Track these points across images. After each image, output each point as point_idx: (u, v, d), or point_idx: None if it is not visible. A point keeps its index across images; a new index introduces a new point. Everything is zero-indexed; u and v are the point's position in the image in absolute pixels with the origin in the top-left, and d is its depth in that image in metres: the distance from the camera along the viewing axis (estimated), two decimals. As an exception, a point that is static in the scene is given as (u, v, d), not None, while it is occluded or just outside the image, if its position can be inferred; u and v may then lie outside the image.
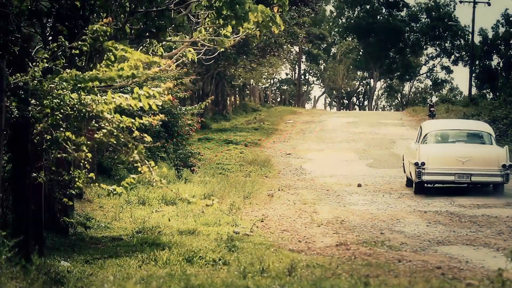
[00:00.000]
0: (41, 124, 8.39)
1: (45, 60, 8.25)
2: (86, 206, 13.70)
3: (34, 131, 8.48)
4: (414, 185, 17.05)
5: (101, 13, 9.90)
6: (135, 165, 9.60)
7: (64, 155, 8.91)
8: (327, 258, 9.71)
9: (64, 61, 8.59)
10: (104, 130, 8.40)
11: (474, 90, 58.31)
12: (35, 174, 8.76)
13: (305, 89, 76.45)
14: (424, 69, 76.76)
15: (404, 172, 18.77)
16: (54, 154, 8.93)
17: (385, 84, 79.87)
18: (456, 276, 8.65)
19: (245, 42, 28.59)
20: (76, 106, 8.07)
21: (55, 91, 8.04)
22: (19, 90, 8.03)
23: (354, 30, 71.45)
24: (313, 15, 39.08)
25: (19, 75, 8.06)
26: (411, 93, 79.11)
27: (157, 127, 16.11)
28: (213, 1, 9.67)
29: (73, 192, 9.75)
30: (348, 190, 17.61)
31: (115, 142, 8.58)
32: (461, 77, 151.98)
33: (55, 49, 8.49)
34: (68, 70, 8.23)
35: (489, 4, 50.27)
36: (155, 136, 16.68)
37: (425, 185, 16.86)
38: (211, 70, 33.33)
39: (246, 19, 9.64)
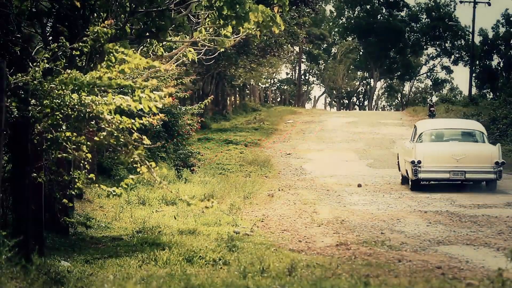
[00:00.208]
0: (41, 124, 8.39)
1: (45, 60, 8.25)
2: (86, 206, 13.70)
3: (34, 131, 8.48)
4: (410, 182, 17.54)
5: (102, 13, 9.90)
6: (134, 165, 9.62)
7: (64, 155, 8.92)
8: (327, 258, 9.71)
9: (64, 61, 8.59)
10: (104, 132, 8.41)
11: (474, 90, 58.40)
12: (35, 174, 8.76)
13: (305, 89, 76.48)
14: (424, 69, 76.89)
15: (399, 170, 19.21)
16: (55, 154, 8.93)
17: (385, 84, 79.91)
18: (456, 276, 8.65)
19: (246, 42, 28.63)
20: (76, 106, 8.07)
21: (55, 91, 8.04)
22: (19, 90, 8.04)
23: (354, 30, 71.48)
24: (313, 15, 39.07)
25: (19, 75, 8.06)
26: (411, 93, 79.14)
27: (157, 127, 16.12)
28: (214, 1, 9.66)
29: (73, 192, 9.75)
30: (348, 190, 17.61)
31: (115, 143, 8.59)
32: (461, 77, 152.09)
33: (56, 49, 8.49)
34: (68, 71, 8.23)
35: (489, 4, 50.33)
36: (155, 136, 16.69)
37: (421, 182, 17.44)
38: (211, 70, 33.34)
39: (246, 19, 9.63)
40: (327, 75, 73.82)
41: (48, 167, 9.35)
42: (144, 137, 8.54)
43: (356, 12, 72.57)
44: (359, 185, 18.28)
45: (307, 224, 12.76)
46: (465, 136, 18.27)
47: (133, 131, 8.57)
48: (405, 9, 72.24)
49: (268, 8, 9.86)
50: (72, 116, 8.34)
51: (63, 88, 7.98)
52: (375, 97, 77.94)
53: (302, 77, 72.32)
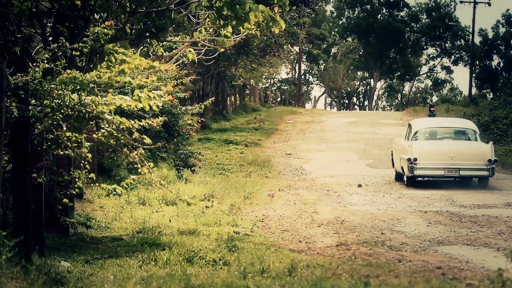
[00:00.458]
0: (41, 124, 8.39)
1: (45, 61, 8.25)
2: (86, 206, 13.70)
3: (34, 131, 8.48)
4: (406, 178, 18.28)
5: (102, 14, 9.90)
6: (135, 166, 9.62)
7: (66, 152, 8.91)
8: (328, 258, 9.71)
9: (64, 61, 8.59)
10: (104, 131, 8.41)
11: (474, 90, 58.34)
12: (35, 174, 8.76)
13: (305, 89, 76.47)
14: (424, 69, 76.83)
15: (393, 166, 19.95)
16: (56, 153, 8.93)
17: (385, 84, 79.91)
18: (457, 276, 8.65)
19: (246, 42, 28.60)
20: (76, 106, 8.07)
21: (55, 91, 8.04)
22: (19, 90, 8.04)
23: (354, 30, 71.44)
24: (313, 15, 39.06)
25: (19, 75, 8.07)
26: (411, 93, 79.13)
27: (158, 127, 16.12)
28: (214, 1, 9.67)
29: (73, 192, 9.75)
30: (348, 190, 17.61)
31: (114, 143, 8.58)
32: (461, 77, 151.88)
33: (56, 49, 8.49)
34: (68, 71, 8.23)
35: (489, 4, 50.30)
36: (156, 136, 16.68)
37: (416, 179, 18.12)
38: (211, 70, 33.34)
39: (246, 19, 9.64)
40: (327, 75, 73.81)
41: (48, 167, 9.34)
42: (144, 136, 8.54)
43: (356, 12, 72.55)
44: (359, 185, 18.29)
45: (307, 224, 12.76)
46: (459, 134, 18.96)
47: (133, 131, 8.57)
48: (405, 9, 72.24)
49: (268, 8, 9.87)
50: (72, 116, 8.34)
51: (63, 88, 7.99)
52: (375, 97, 77.97)
53: (302, 77, 72.31)
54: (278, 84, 73.52)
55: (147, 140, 8.52)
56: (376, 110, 74.97)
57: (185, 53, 11.19)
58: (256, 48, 33.15)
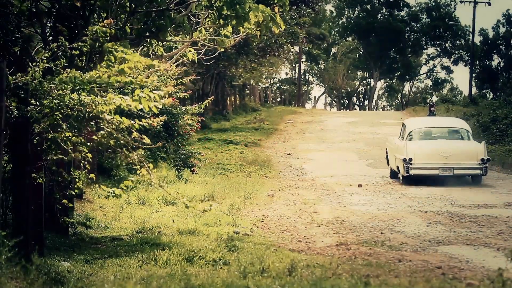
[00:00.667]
0: (41, 124, 8.39)
1: (45, 60, 8.24)
2: (86, 206, 13.70)
3: (34, 131, 8.48)
4: (401, 177, 18.75)
5: (102, 13, 9.89)
6: (134, 167, 9.61)
7: (61, 156, 8.90)
8: (328, 258, 9.71)
9: (64, 61, 8.58)
10: (103, 132, 8.40)
11: (474, 90, 58.31)
12: (35, 175, 8.75)
13: (305, 89, 76.46)
14: (424, 69, 76.74)
15: (388, 164, 20.45)
16: (55, 154, 8.92)
17: (385, 84, 79.84)
18: (457, 276, 8.64)
19: (245, 42, 28.60)
20: (76, 106, 8.07)
21: (55, 91, 8.04)
22: (19, 90, 8.03)
23: (354, 30, 71.40)
24: (313, 15, 39.03)
25: (19, 75, 8.06)
26: (411, 93, 79.09)
27: (158, 127, 16.11)
28: (214, 1, 9.66)
29: (73, 192, 9.75)
30: (348, 190, 17.61)
31: (114, 143, 8.58)
32: (461, 77, 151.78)
33: (55, 49, 8.49)
34: (68, 70, 8.23)
35: (489, 4, 50.29)
36: (155, 136, 16.66)
37: (412, 177, 18.46)
38: (211, 70, 33.32)
39: (246, 19, 9.63)
40: (327, 75, 73.78)
41: (48, 167, 9.34)
42: (144, 136, 8.54)
43: (356, 12, 72.48)
44: (359, 185, 18.29)
45: (307, 224, 12.76)
46: (452, 133, 19.46)
47: (133, 130, 8.56)
48: (405, 9, 72.17)
49: (268, 8, 9.86)
50: (72, 116, 8.33)
51: (63, 88, 7.98)
52: (375, 97, 77.92)
53: (302, 77, 72.30)
54: (278, 84, 73.52)
55: (146, 140, 8.52)
56: (376, 110, 74.94)
57: (185, 53, 11.18)
58: (256, 48, 33.13)
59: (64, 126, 8.68)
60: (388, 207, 14.87)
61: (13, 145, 8.25)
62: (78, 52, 8.77)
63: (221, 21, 9.80)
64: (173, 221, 12.49)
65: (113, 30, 9.29)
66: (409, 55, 73.01)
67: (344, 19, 74.30)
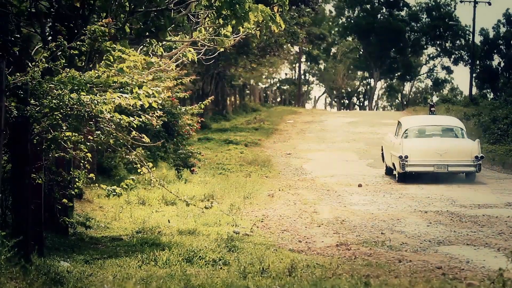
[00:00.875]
0: (40, 124, 8.38)
1: (44, 60, 8.23)
2: (86, 206, 13.68)
3: (34, 131, 8.47)
4: (397, 174, 19.01)
5: (101, 13, 9.88)
6: (134, 166, 9.60)
7: (62, 154, 8.90)
8: (328, 258, 9.70)
9: (64, 61, 8.58)
10: (101, 131, 8.39)
11: (474, 90, 58.22)
12: (34, 175, 8.74)
13: (305, 89, 76.46)
14: (424, 69, 76.73)
15: (383, 161, 20.98)
16: (55, 153, 8.91)
17: (385, 84, 79.85)
18: (457, 276, 8.63)
19: (245, 42, 28.60)
20: (75, 106, 8.06)
21: (54, 91, 8.03)
22: (19, 90, 8.02)
23: (354, 30, 71.38)
24: (313, 14, 39.02)
25: (18, 75, 8.05)
26: (411, 93, 79.08)
27: (157, 127, 16.11)
28: (213, 0, 9.65)
29: (72, 192, 9.74)
30: (348, 190, 17.59)
31: (113, 142, 8.56)
32: (461, 77, 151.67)
33: (54, 49, 8.48)
34: (67, 70, 8.22)
35: (489, 3, 50.24)
36: (155, 136, 16.66)
37: (407, 174, 18.80)
38: (211, 70, 33.32)
39: (246, 18, 9.62)
40: (327, 75, 73.78)
41: (47, 167, 9.33)
42: (143, 135, 8.53)
43: (356, 11, 72.47)
44: (360, 185, 18.29)
45: (307, 224, 12.75)
46: (446, 131, 19.87)
47: (132, 129, 8.55)
48: (405, 8, 72.15)
49: (268, 7, 9.85)
50: (71, 115, 8.32)
51: (62, 87, 7.97)
52: (375, 97, 77.93)
53: (302, 77, 72.32)
54: (278, 84, 73.52)
55: (146, 139, 8.51)
56: (376, 110, 74.95)
57: (184, 53, 11.17)
58: (256, 48, 33.14)
59: (64, 126, 8.67)
60: (388, 207, 14.86)
61: (13, 145, 8.24)
62: (77, 52, 8.77)
63: (221, 21, 9.79)
64: (168, 221, 12.45)
65: (112, 30, 9.28)
66: (409, 55, 72.99)
67: (344, 19, 74.30)
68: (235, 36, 10.75)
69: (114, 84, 8.00)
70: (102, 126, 8.99)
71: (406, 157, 18.46)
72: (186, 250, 9.69)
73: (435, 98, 69.43)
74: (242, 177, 19.24)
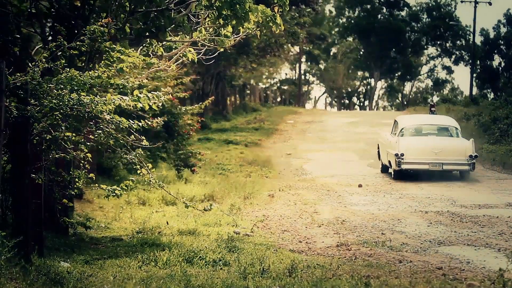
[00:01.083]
0: (40, 124, 8.37)
1: (44, 60, 8.23)
2: (86, 207, 13.68)
3: (34, 131, 8.46)
4: (393, 172, 19.56)
5: (101, 13, 9.87)
6: (134, 167, 9.59)
7: (63, 154, 8.89)
8: (328, 259, 9.69)
9: (64, 61, 8.57)
10: (101, 132, 8.38)
11: (475, 90, 58.20)
12: (34, 175, 8.74)
13: (306, 89, 76.45)
14: (425, 69, 76.73)
15: (379, 159, 21.46)
16: (54, 154, 8.91)
17: (385, 84, 79.84)
18: (457, 276, 8.62)
19: (245, 42, 28.60)
20: (75, 106, 8.06)
21: (54, 91, 8.03)
22: (19, 90, 8.02)
23: (355, 30, 71.40)
24: (313, 15, 39.01)
25: (18, 75, 8.04)
26: (412, 93, 79.07)
27: (158, 127, 16.12)
28: (213, 1, 9.64)
29: (73, 192, 9.73)
30: (348, 190, 17.59)
31: (113, 143, 8.55)
32: (462, 77, 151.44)
33: (54, 49, 8.47)
34: (67, 70, 8.21)
35: (490, 4, 50.22)
36: (156, 136, 16.67)
37: (403, 172, 19.25)
38: (211, 70, 33.32)
39: (246, 19, 9.61)
40: (328, 75, 73.77)
41: (47, 167, 9.33)
42: (143, 137, 8.53)
43: (357, 12, 72.50)
44: (360, 185, 18.28)
45: (308, 225, 12.74)
46: (442, 131, 20.35)
47: (132, 131, 8.55)
48: (405, 8, 72.17)
49: (268, 8, 9.84)
50: (71, 115, 8.32)
51: (62, 88, 7.97)
52: (375, 97, 77.93)
53: (302, 77, 72.29)
54: (278, 84, 73.50)
55: (145, 142, 8.51)
56: (376, 110, 74.94)
57: (185, 53, 11.16)
58: (256, 48, 33.14)
59: (64, 126, 8.66)
60: (389, 207, 14.85)
61: (13, 145, 8.24)
62: (77, 52, 8.76)
63: (221, 21, 9.79)
64: (167, 223, 12.43)
65: (112, 30, 9.27)
66: (410, 55, 73.00)
67: (344, 19, 74.33)
68: (235, 36, 10.74)
69: (110, 86, 8.00)
70: (102, 126, 8.98)
71: (402, 155, 18.91)
72: (186, 250, 9.68)
73: (435, 98, 69.46)
74: (242, 177, 19.23)
